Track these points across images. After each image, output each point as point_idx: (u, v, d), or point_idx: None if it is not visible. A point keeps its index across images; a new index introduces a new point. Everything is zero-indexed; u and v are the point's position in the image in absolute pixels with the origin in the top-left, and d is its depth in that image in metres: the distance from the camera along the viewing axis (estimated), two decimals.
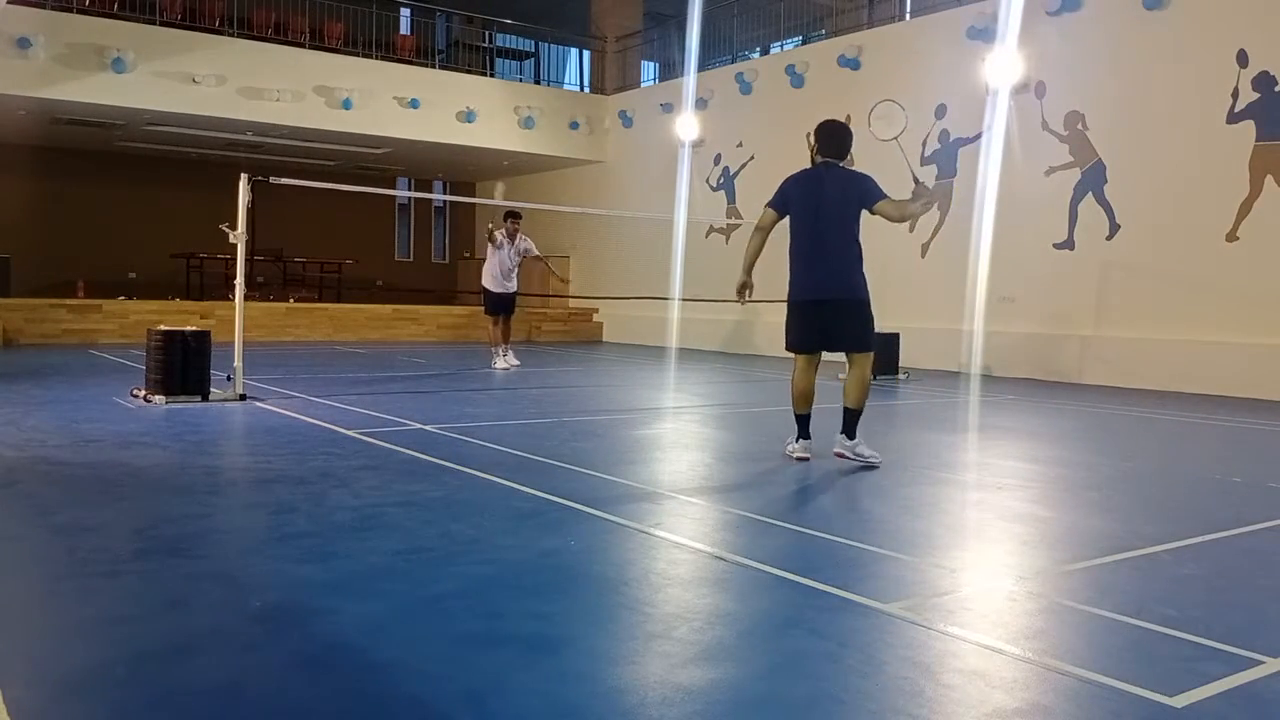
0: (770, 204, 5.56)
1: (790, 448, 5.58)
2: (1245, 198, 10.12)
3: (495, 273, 11.68)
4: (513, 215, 11.80)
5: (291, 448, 5.62)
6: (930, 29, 13.57)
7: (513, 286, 11.78)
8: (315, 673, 2.40)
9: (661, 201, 17.20)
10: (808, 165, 5.75)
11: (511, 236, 11.59)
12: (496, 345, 11.86)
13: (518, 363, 11.85)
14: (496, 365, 11.62)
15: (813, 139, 5.71)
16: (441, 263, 23.70)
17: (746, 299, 5.82)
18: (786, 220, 5.52)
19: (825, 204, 5.38)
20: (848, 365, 5.54)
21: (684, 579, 3.30)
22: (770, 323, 14.83)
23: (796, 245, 5.46)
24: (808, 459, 5.47)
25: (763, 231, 5.59)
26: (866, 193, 5.44)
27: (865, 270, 5.51)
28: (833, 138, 5.58)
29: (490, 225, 11.79)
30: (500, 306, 11.78)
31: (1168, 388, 10.43)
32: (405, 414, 7.18)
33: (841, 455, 5.42)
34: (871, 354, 5.50)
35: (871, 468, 5.31)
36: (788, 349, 5.54)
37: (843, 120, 5.89)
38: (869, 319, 5.48)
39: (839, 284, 5.37)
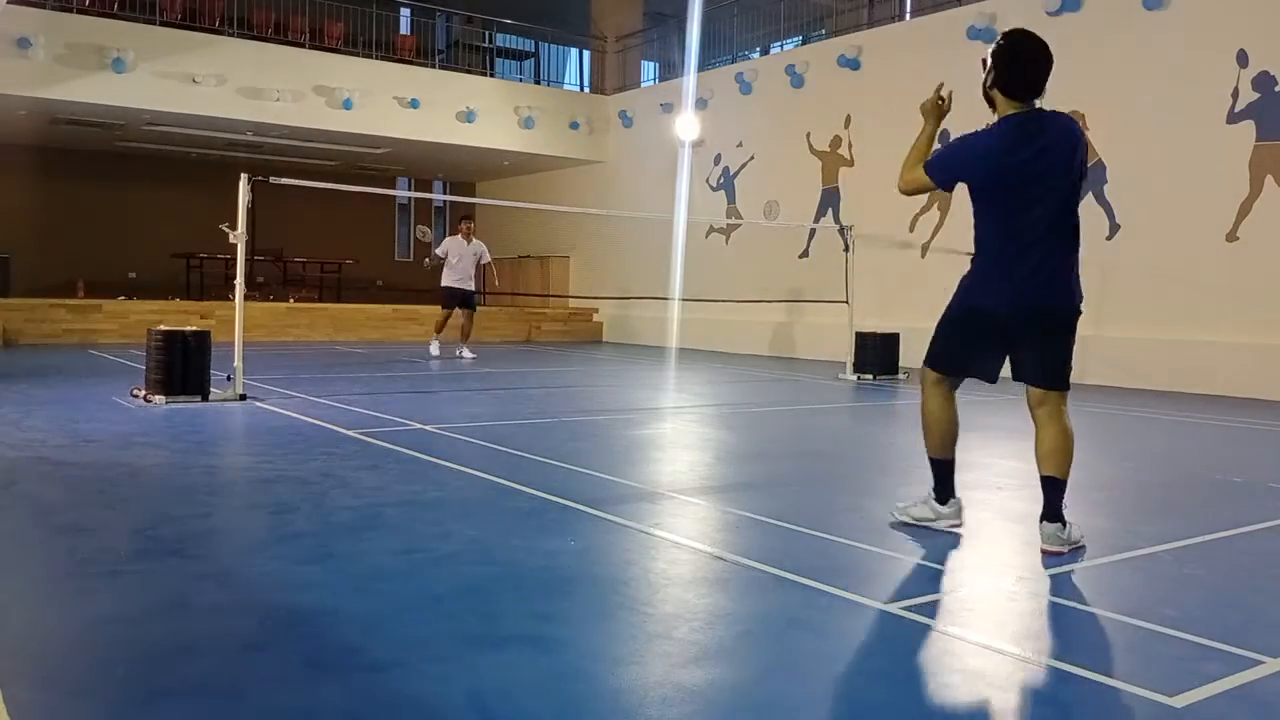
0: (934, 174, 3.86)
1: (930, 507, 3.88)
2: (1245, 198, 10.11)
3: (456, 274, 12.74)
4: (465, 218, 13.12)
5: (291, 448, 5.62)
6: (930, 29, 13.57)
7: (471, 285, 12.83)
8: (315, 673, 2.40)
9: (661, 201, 17.20)
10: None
11: (467, 237, 12.70)
12: (435, 338, 13.06)
13: (474, 355, 12.76)
14: (434, 351, 12.77)
15: (989, 64, 3.81)
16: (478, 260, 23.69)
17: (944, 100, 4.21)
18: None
19: (1041, 170, 3.65)
20: (1039, 410, 3.74)
21: (684, 579, 3.30)
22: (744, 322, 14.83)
23: (986, 235, 3.79)
24: (960, 527, 3.88)
25: (918, 182, 3.92)
26: (1084, 156, 3.77)
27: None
28: (1023, 60, 3.76)
29: (422, 233, 13.09)
30: (456, 301, 12.81)
31: (1168, 388, 10.43)
32: (405, 414, 7.18)
33: (1053, 552, 3.62)
34: (1068, 393, 3.76)
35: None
36: (931, 365, 3.97)
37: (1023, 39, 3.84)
38: (1073, 342, 3.75)
39: (1049, 293, 3.67)
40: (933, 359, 3.94)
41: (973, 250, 3.83)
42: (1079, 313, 3.71)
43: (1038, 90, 3.76)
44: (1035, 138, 3.69)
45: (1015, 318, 3.68)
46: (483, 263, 13.01)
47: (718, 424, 7.40)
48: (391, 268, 22.15)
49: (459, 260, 12.64)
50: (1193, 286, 10.46)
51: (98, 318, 14.78)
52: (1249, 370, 9.98)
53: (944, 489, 3.90)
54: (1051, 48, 3.85)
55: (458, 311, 12.86)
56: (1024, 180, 3.64)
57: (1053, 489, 3.67)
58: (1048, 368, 3.71)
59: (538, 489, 4.58)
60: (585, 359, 14.19)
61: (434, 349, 12.90)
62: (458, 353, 12.74)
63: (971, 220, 3.88)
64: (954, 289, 4.00)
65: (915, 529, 3.93)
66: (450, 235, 13.17)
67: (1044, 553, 3.64)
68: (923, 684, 2.41)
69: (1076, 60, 11.63)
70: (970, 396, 9.75)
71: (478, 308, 13.35)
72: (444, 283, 12.61)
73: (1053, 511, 3.67)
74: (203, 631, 2.68)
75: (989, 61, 3.78)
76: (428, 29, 19.51)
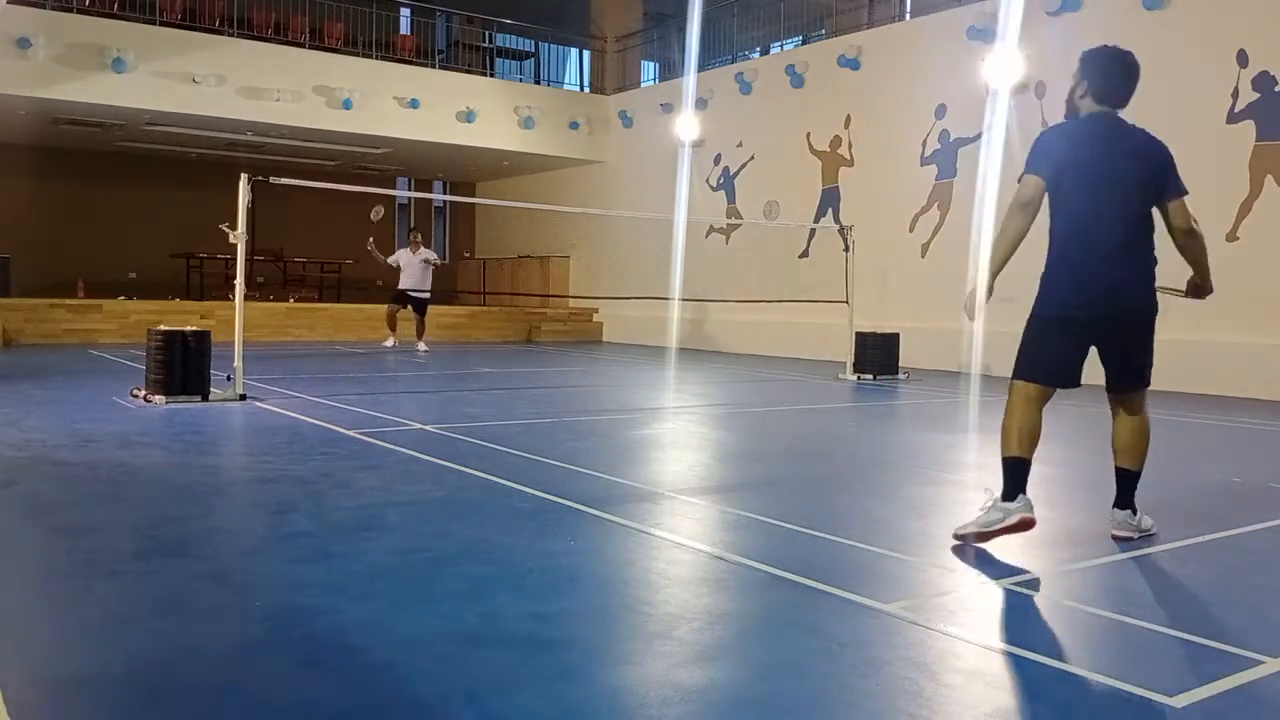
0: (1032, 169, 3.73)
1: (997, 509, 3.73)
2: (1245, 198, 10.12)
3: (412, 279, 14.08)
4: (413, 230, 14.91)
5: (291, 448, 5.62)
6: (930, 29, 13.57)
7: (426, 288, 14.18)
8: (315, 673, 2.40)
9: (661, 201, 17.20)
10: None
11: (415, 248, 14.25)
12: (391, 334, 14.50)
13: (427, 349, 13.90)
14: (388, 344, 14.33)
15: (1078, 74, 3.87)
16: (442, 263, 23.66)
17: (978, 313, 3.94)
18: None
19: (1115, 175, 3.70)
20: (1113, 409, 3.93)
21: (684, 579, 3.30)
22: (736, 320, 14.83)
23: (1064, 232, 3.77)
24: (1033, 523, 3.73)
25: (1028, 210, 3.72)
26: (1169, 175, 3.79)
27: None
28: (1119, 73, 3.79)
29: (376, 213, 13.70)
30: (404, 300, 14.21)
31: (1168, 388, 10.41)
32: (405, 414, 7.18)
33: (1123, 538, 3.85)
34: (1148, 389, 3.88)
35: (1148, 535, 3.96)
36: (1023, 377, 3.81)
37: (1118, 49, 3.92)
38: (1151, 340, 3.83)
39: (1129, 291, 3.71)
40: (1028, 371, 3.81)
41: (1047, 252, 3.82)
42: (1155, 311, 3.77)
43: (1124, 100, 3.83)
44: (1118, 141, 3.77)
45: (1098, 318, 3.71)
46: (435, 264, 14.56)
47: (718, 424, 7.40)
48: (392, 268, 22.12)
49: (407, 267, 14.16)
50: None
51: (98, 318, 14.78)
52: (1249, 370, 9.98)
53: (1015, 487, 3.77)
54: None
55: (411, 312, 14.27)
56: (1099, 176, 3.70)
57: (1127, 479, 3.87)
58: (1130, 367, 3.81)
59: (538, 489, 4.58)
60: (585, 359, 14.19)
61: (389, 343, 14.50)
62: (418, 349, 13.91)
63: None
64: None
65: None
66: (401, 248, 14.90)
67: (1114, 538, 3.85)
68: (923, 684, 2.41)
69: (1077, 60, 11.64)
70: (972, 397, 9.79)
71: (429, 309, 14.63)
72: (399, 286, 14.24)
73: (1125, 499, 3.88)
74: (203, 631, 2.68)
75: (1079, 71, 3.87)
76: (428, 29, 19.51)
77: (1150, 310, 3.75)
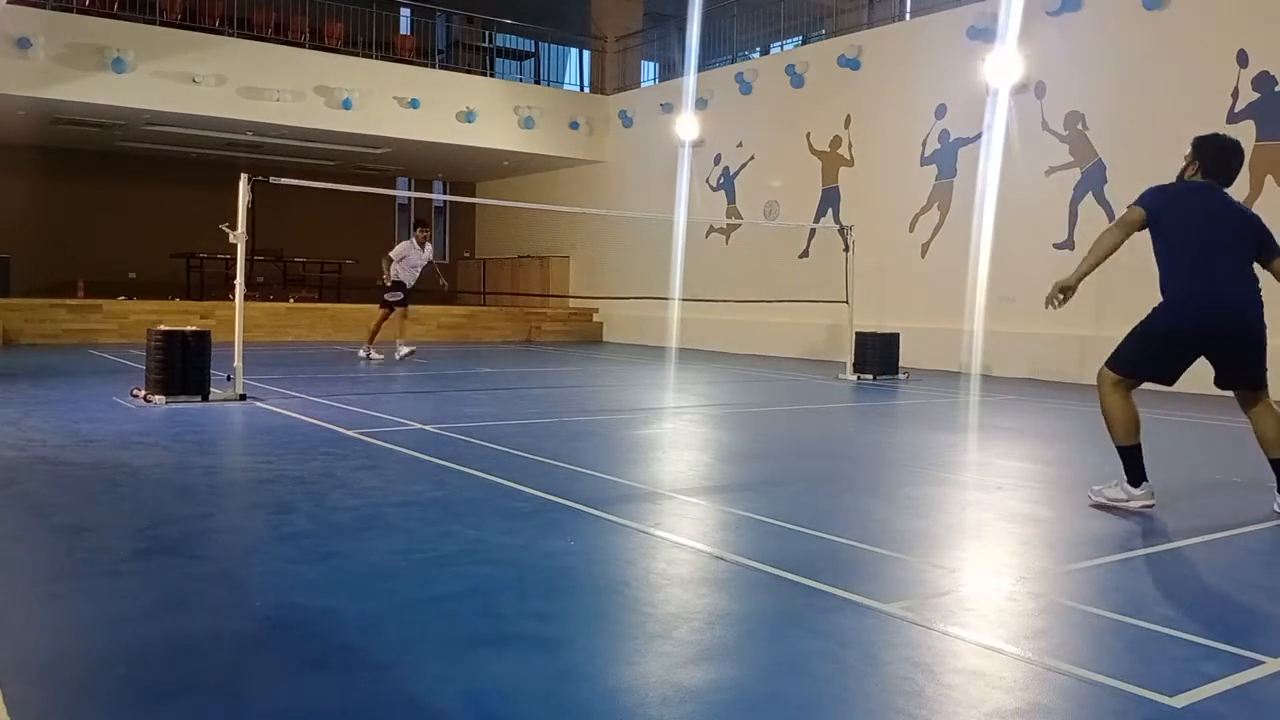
0: (1141, 203, 4.42)
1: (1119, 493, 4.42)
2: (1245, 198, 10.11)
3: (413, 273, 12.92)
4: (421, 224, 13.40)
5: (291, 448, 5.62)
6: (930, 29, 13.57)
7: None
8: (315, 673, 2.40)
9: (661, 201, 17.21)
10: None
11: (421, 244, 12.99)
12: (396, 339, 13.04)
13: (413, 348, 13.05)
14: (372, 355, 12.71)
15: (1191, 155, 4.57)
16: (441, 262, 23.64)
17: (1058, 305, 4.43)
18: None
19: (1222, 219, 4.41)
20: (1251, 409, 4.53)
21: (684, 579, 3.30)
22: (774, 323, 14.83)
23: (1184, 256, 4.35)
24: (1152, 508, 4.38)
25: (1127, 229, 4.38)
26: (1267, 237, 4.48)
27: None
28: (1224, 157, 4.53)
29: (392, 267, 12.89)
30: (406, 301, 13.05)
31: (1168, 387, 10.42)
32: (405, 414, 7.18)
33: None
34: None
35: None
36: (1115, 368, 4.45)
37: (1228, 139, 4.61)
38: (1264, 349, 4.43)
39: (1239, 306, 4.31)
40: (1121, 364, 4.45)
41: (1160, 278, 4.42)
42: (1264, 326, 4.36)
43: (1230, 179, 4.53)
44: (1222, 203, 4.47)
45: (1215, 332, 4.33)
46: (435, 260, 13.61)
47: (718, 424, 7.40)
48: (394, 277, 22.12)
49: (415, 264, 12.97)
50: None
51: (98, 318, 14.78)
52: None
53: (1135, 473, 4.41)
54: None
55: (394, 312, 13.01)
56: (1211, 222, 4.38)
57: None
58: (1253, 372, 4.41)
59: (538, 489, 4.58)
60: (585, 359, 14.19)
61: (372, 354, 12.79)
62: (405, 350, 12.82)
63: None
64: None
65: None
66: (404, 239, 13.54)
67: None
68: (923, 684, 2.41)
69: (1076, 60, 11.64)
70: (972, 397, 9.79)
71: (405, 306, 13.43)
72: (407, 281, 12.85)
73: None
74: (203, 631, 2.68)
75: (1191, 153, 4.56)
76: (428, 29, 19.50)
77: (1259, 327, 4.36)
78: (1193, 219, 4.38)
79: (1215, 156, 4.50)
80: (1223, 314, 4.31)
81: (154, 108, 14.70)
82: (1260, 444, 4.47)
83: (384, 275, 12.71)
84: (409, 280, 12.89)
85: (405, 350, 12.78)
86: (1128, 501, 4.40)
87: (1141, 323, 4.46)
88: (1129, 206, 4.45)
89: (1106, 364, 4.48)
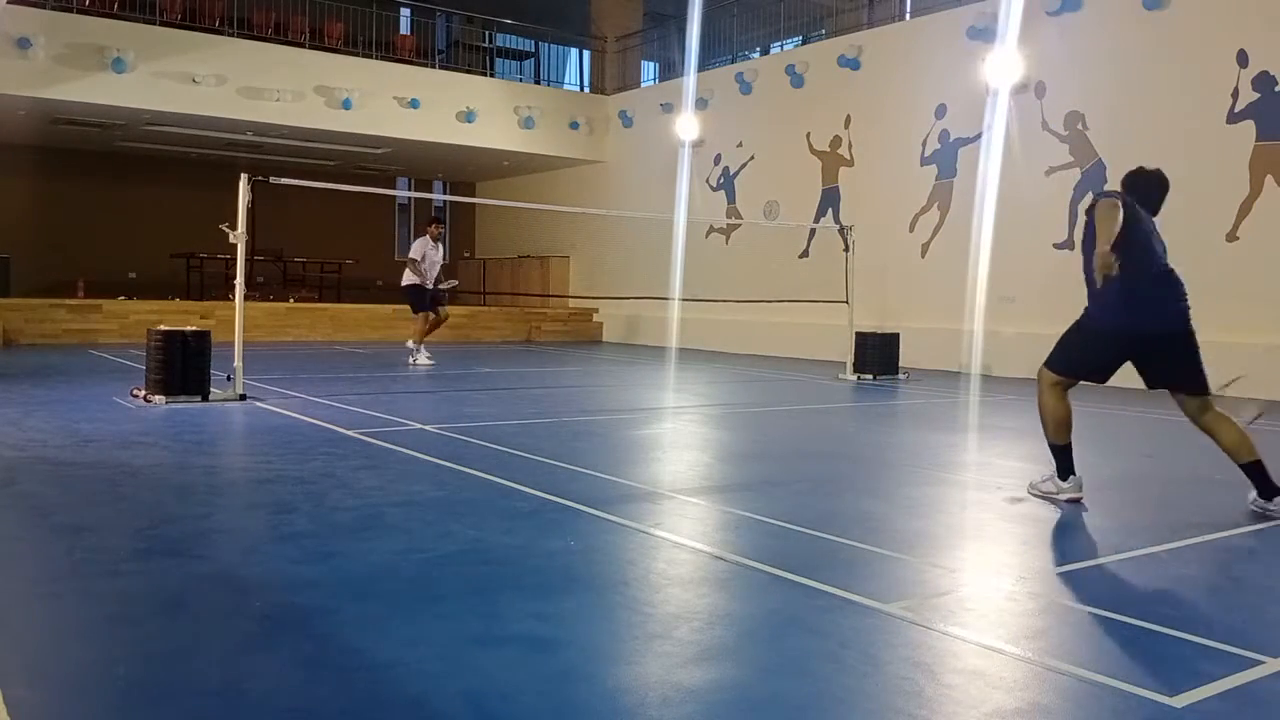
0: (1118, 197, 4.51)
1: (1052, 486, 4.66)
2: (1245, 198, 10.11)
3: (429, 273, 12.04)
4: (436, 220, 12.85)
5: (291, 448, 5.62)
6: (930, 29, 13.57)
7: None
8: (315, 673, 2.40)
9: (661, 201, 17.21)
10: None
11: (437, 240, 12.24)
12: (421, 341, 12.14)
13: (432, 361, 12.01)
14: (421, 361, 11.82)
15: (1124, 190, 4.73)
16: (443, 263, 23.70)
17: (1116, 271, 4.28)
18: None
19: (1158, 239, 4.65)
20: (1202, 419, 4.62)
21: (684, 579, 3.30)
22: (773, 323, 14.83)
23: (1136, 265, 4.42)
24: (1081, 499, 4.58)
25: (1116, 211, 4.42)
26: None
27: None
28: (1154, 190, 4.73)
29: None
30: (428, 304, 12.06)
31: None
32: (405, 414, 7.18)
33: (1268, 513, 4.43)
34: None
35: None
36: (1052, 368, 4.65)
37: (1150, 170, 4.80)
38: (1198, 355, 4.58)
39: (1183, 317, 4.57)
40: (1058, 364, 4.65)
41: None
42: (1193, 334, 4.52)
43: (1156, 211, 4.70)
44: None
45: (1150, 337, 4.48)
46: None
47: (718, 424, 7.40)
48: (391, 268, 22.12)
49: (433, 261, 12.19)
50: (1193, 286, 10.31)
51: (98, 318, 14.78)
52: (1249, 370, 9.97)
53: (1065, 468, 4.62)
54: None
55: (413, 312, 12.28)
56: (1156, 238, 4.60)
57: (1259, 470, 4.43)
58: (1190, 377, 4.53)
59: (538, 489, 4.58)
60: (585, 359, 14.19)
61: (427, 359, 12.00)
62: (416, 353, 12.05)
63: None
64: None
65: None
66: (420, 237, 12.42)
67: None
68: (922, 684, 2.41)
69: (1076, 60, 11.64)
70: (972, 397, 9.79)
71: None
72: (424, 285, 11.98)
73: (1271, 489, 4.41)
74: (203, 631, 2.68)
75: (1123, 189, 4.69)
76: (428, 29, 19.50)
77: (1189, 334, 4.54)
78: (1146, 227, 4.59)
79: (1145, 190, 4.69)
80: (1175, 321, 4.53)
81: (154, 108, 14.70)
82: (1228, 454, 4.52)
83: (423, 280, 11.82)
84: (431, 280, 11.95)
85: (418, 356, 11.88)
86: (1058, 494, 4.61)
87: (1078, 324, 4.67)
88: (1099, 199, 4.44)
89: (1046, 364, 4.68)
